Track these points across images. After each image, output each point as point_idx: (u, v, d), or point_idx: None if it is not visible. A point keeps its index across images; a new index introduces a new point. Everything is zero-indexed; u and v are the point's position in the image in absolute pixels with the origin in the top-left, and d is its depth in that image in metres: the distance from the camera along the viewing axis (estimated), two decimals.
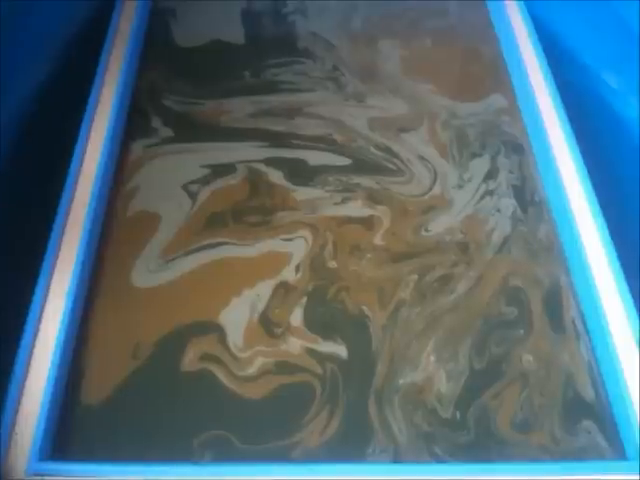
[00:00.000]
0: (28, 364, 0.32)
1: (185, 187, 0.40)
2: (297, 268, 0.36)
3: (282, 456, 0.30)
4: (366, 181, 0.40)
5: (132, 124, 0.43)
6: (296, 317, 0.35)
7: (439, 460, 0.30)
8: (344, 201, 0.40)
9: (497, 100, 0.45)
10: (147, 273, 0.36)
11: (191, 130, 0.43)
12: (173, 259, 0.37)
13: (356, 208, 0.39)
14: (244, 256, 0.37)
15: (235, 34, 0.49)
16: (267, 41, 0.49)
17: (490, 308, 0.35)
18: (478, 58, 0.48)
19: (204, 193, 0.40)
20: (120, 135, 0.42)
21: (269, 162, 0.41)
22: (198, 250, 0.37)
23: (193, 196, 0.40)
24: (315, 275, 0.36)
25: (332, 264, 0.37)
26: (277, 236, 0.38)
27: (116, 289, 0.36)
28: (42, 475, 0.29)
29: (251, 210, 0.39)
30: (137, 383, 0.32)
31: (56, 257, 0.35)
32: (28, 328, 0.33)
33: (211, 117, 0.44)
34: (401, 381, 0.33)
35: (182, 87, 0.45)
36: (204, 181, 0.40)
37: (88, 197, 0.38)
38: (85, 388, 0.32)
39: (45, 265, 0.35)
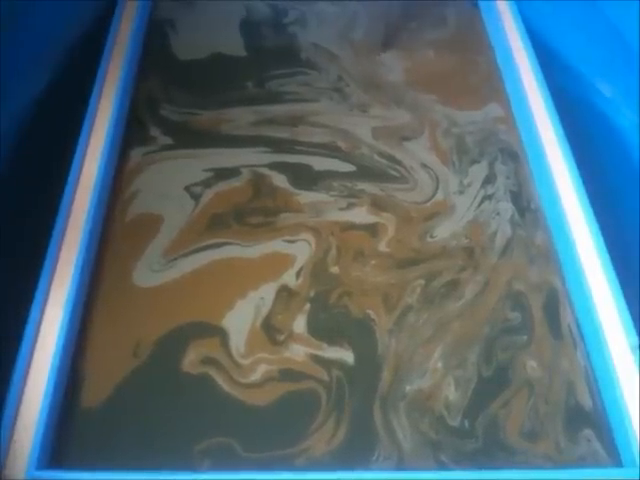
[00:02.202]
0: (29, 364, 0.31)
1: (187, 189, 0.40)
2: (299, 271, 0.36)
3: (286, 464, 0.30)
4: (370, 187, 0.41)
5: (130, 133, 0.43)
6: (299, 322, 0.35)
7: (444, 467, 0.30)
8: (349, 207, 0.40)
9: (494, 109, 0.46)
10: (150, 273, 0.36)
11: (191, 138, 0.43)
12: (175, 259, 0.37)
13: (361, 214, 0.39)
14: (246, 257, 0.37)
15: (234, 45, 0.49)
16: (267, 52, 0.49)
17: (496, 314, 0.35)
18: (475, 68, 0.49)
19: (207, 195, 0.40)
20: (119, 143, 0.42)
21: (273, 166, 0.41)
22: (200, 250, 0.37)
23: (196, 198, 0.40)
24: (317, 280, 0.36)
25: (335, 269, 0.37)
26: (280, 238, 0.38)
27: (118, 288, 0.36)
28: None
29: (254, 212, 0.39)
30: (137, 385, 0.32)
31: (57, 258, 0.35)
32: (29, 327, 0.32)
33: (211, 126, 0.44)
34: (408, 387, 0.33)
35: (181, 98, 0.45)
36: (206, 184, 0.40)
37: (88, 198, 0.38)
38: (85, 391, 0.32)
39: (46, 264, 0.34)
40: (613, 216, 0.40)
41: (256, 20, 0.51)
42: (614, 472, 0.30)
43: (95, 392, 0.32)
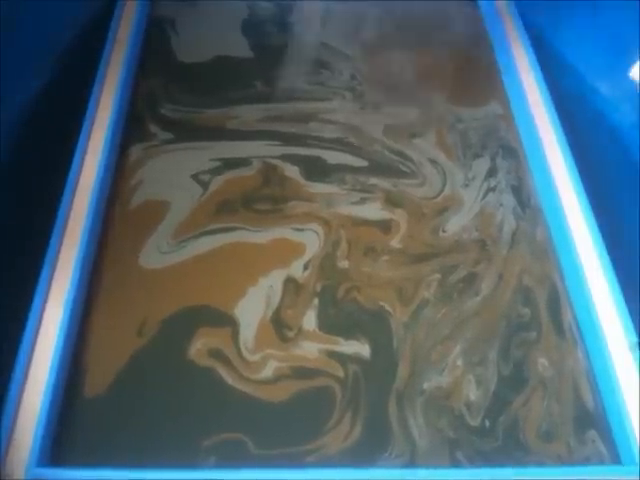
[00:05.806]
0: (31, 352, 0.31)
1: (195, 177, 0.40)
2: (308, 262, 0.36)
3: (300, 462, 0.30)
4: (383, 183, 0.41)
5: (131, 131, 0.42)
6: (311, 314, 0.35)
7: (458, 465, 0.30)
8: (361, 201, 0.40)
9: (495, 107, 0.47)
10: (158, 254, 0.36)
11: (193, 133, 0.42)
12: (183, 241, 0.37)
13: (372, 210, 0.39)
14: (255, 242, 0.37)
15: (236, 44, 0.48)
16: (268, 51, 0.48)
17: (510, 309, 0.36)
18: (477, 67, 0.49)
19: (215, 183, 0.39)
20: (120, 140, 0.41)
21: (284, 158, 0.41)
22: (208, 234, 0.37)
23: (203, 185, 0.39)
24: (327, 273, 0.36)
25: (344, 264, 0.37)
26: (289, 225, 0.38)
27: (124, 270, 0.35)
28: None
29: (263, 199, 0.39)
30: (142, 374, 0.32)
31: (60, 245, 0.35)
32: (32, 316, 0.32)
33: (215, 122, 0.43)
34: (425, 385, 0.33)
35: (182, 97, 0.44)
36: (214, 172, 0.40)
37: (90, 189, 0.37)
38: (88, 377, 0.32)
39: (49, 252, 0.34)
40: (612, 214, 0.41)
41: (258, 19, 0.50)
42: (614, 470, 0.31)
43: (98, 379, 0.32)
